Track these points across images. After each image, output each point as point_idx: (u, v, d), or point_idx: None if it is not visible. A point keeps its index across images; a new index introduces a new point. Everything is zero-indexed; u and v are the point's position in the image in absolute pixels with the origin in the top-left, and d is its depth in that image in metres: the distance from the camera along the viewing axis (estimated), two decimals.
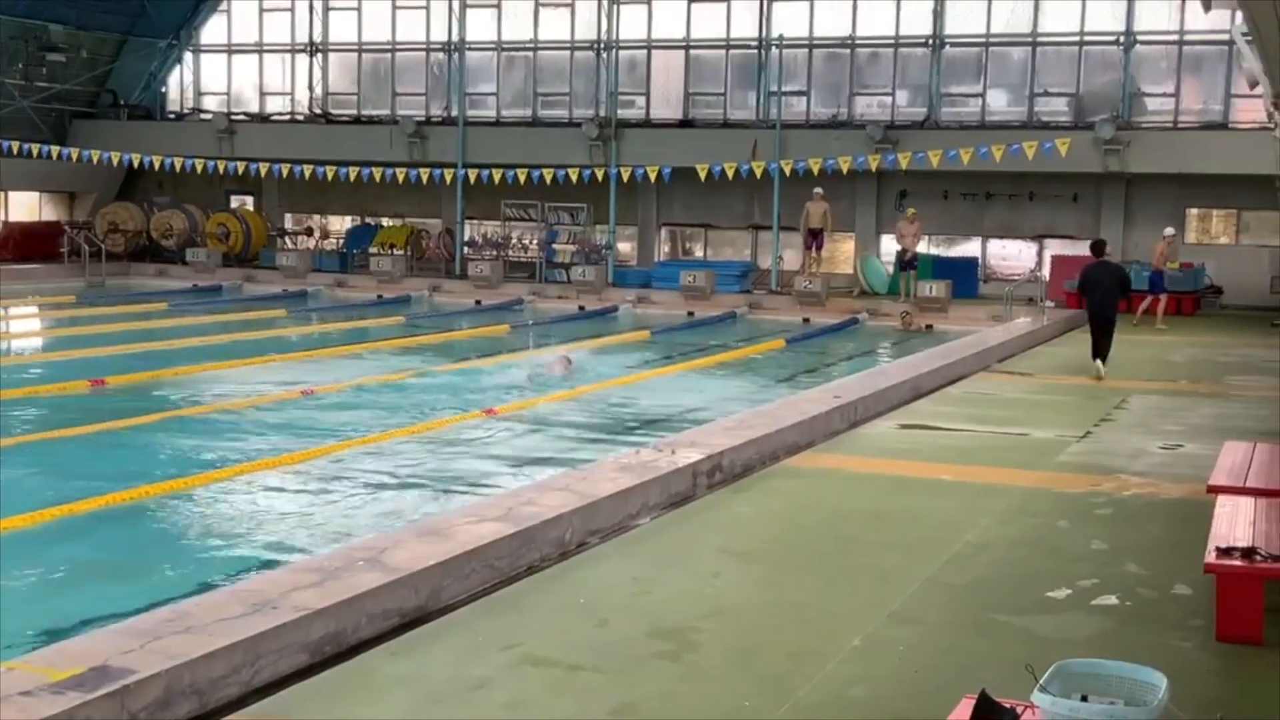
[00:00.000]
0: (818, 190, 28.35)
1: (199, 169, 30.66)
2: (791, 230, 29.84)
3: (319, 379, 17.07)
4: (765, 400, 15.13)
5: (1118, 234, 28.18)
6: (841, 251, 31.97)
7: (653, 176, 28.82)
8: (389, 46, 35.74)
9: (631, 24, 32.95)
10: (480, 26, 34.41)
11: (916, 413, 14.25)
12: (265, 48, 37.17)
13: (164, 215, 35.16)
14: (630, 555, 8.35)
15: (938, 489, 10.45)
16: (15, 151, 30.60)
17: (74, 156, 31.46)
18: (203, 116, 37.23)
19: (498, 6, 34.40)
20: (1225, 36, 26.15)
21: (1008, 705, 4.65)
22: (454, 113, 33.69)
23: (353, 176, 30.07)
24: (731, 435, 11.47)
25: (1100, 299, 17.59)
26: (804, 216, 28.77)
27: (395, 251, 33.12)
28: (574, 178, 28.70)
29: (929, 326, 25.35)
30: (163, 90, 38.22)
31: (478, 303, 29.04)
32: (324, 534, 9.75)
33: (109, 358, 18.53)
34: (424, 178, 30.05)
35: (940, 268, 28.96)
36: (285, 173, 30.66)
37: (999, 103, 31.09)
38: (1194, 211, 29.82)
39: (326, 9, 36.19)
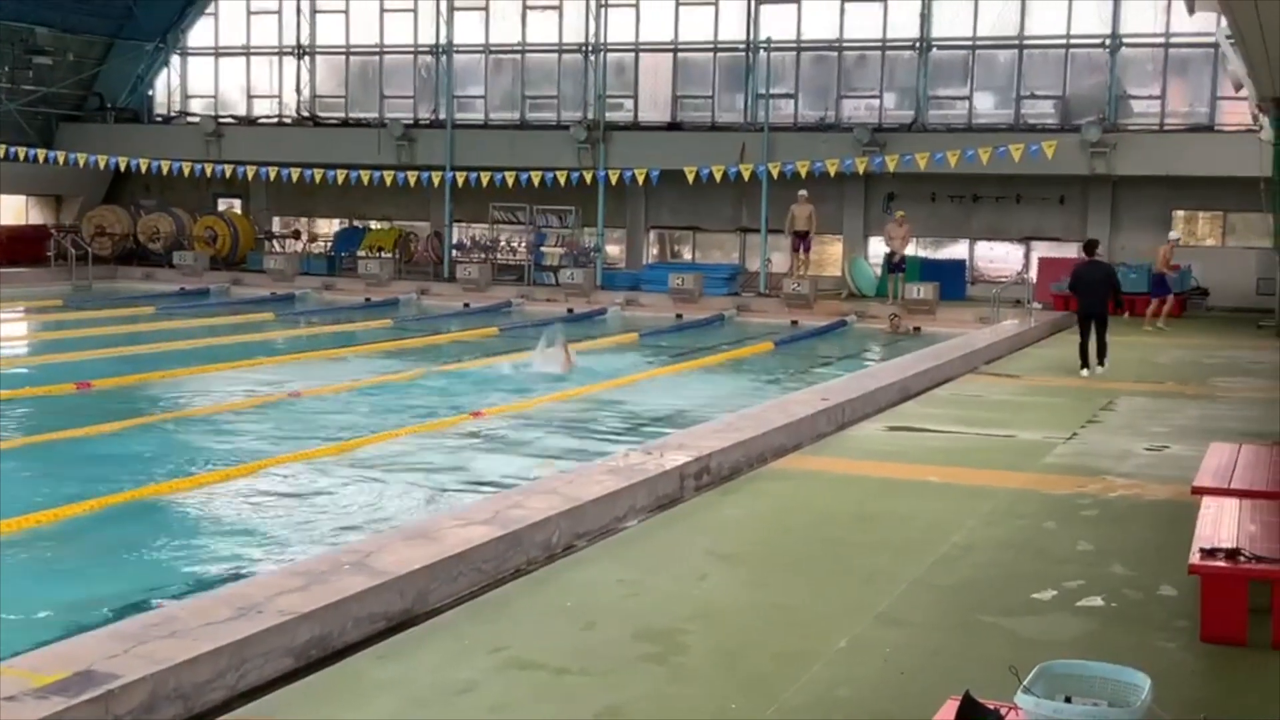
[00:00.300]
0: (802, 192, 28.39)
1: (186, 172, 30.62)
2: (780, 233, 29.87)
3: (306, 382, 17.05)
4: (753, 402, 15.12)
5: (1105, 236, 28.22)
6: (829, 254, 32.01)
7: (641, 179, 28.83)
8: (377, 49, 35.72)
9: (619, 26, 32.97)
10: (468, 29, 34.41)
11: (904, 415, 14.28)
12: (253, 50, 37.12)
13: (151, 218, 35.09)
14: (617, 558, 8.35)
15: (925, 491, 10.46)
16: (2, 155, 30.50)
17: (60, 160, 31.37)
18: (190, 119, 37.19)
19: (485, 9, 34.41)
20: (1211, 39, 26.26)
21: (991, 706, 4.66)
22: (442, 115, 33.68)
23: (340, 179, 30.02)
24: (719, 437, 11.47)
25: (1090, 298, 17.82)
26: (789, 219, 28.82)
27: (383, 254, 33.08)
28: (562, 180, 28.69)
29: (916, 329, 25.41)
30: (150, 93, 38.16)
31: (466, 305, 29.02)
32: (310, 537, 9.74)
33: (96, 361, 18.48)
34: (412, 180, 30.02)
35: (928, 270, 29.03)
36: (273, 175, 30.62)
37: (986, 105, 31.17)
38: (1180, 214, 29.93)
39: (314, 12, 36.18)
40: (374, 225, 35.27)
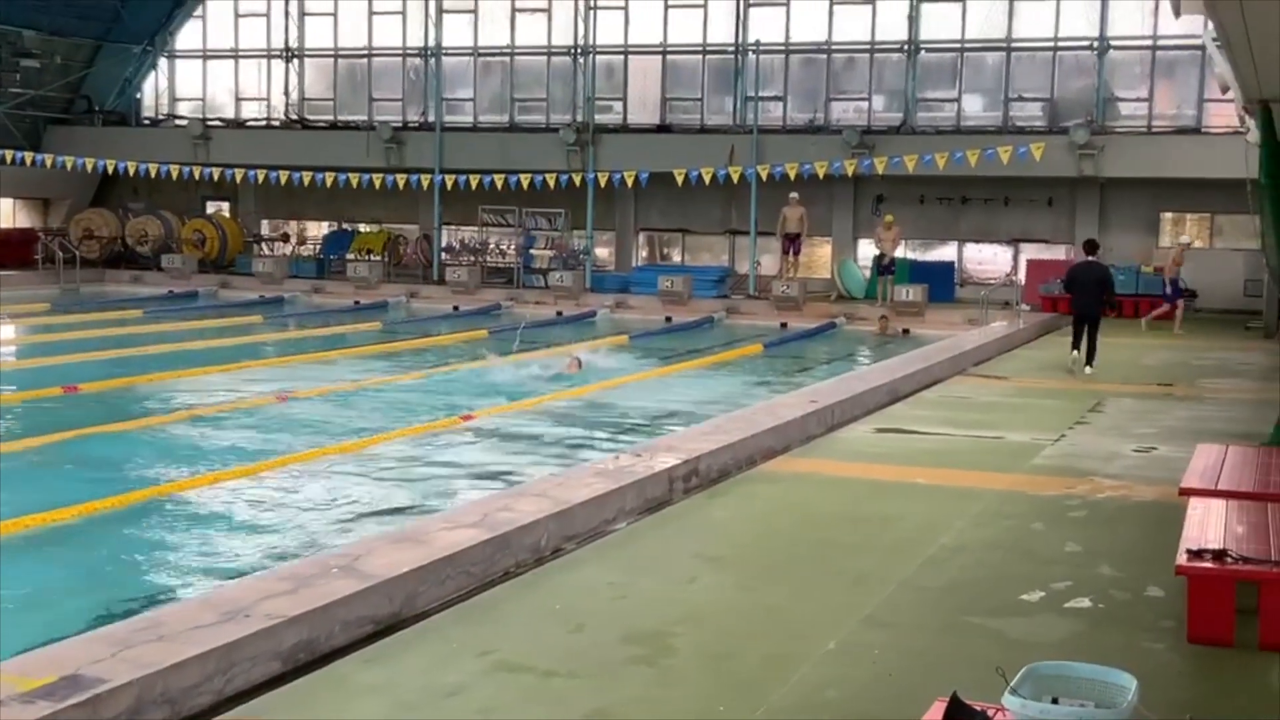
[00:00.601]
0: (794, 195, 28.42)
1: (174, 175, 30.56)
2: (769, 235, 29.91)
3: (295, 385, 17.02)
4: (742, 405, 15.15)
5: (1093, 238, 28.26)
6: (819, 256, 32.05)
7: (630, 181, 28.83)
8: (365, 52, 35.70)
9: (608, 29, 32.96)
10: (457, 32, 34.39)
11: (892, 416, 14.30)
12: (241, 53, 37.07)
13: (139, 221, 35.01)
14: (606, 561, 8.35)
15: (913, 492, 10.48)
16: None
17: (48, 163, 31.30)
18: (178, 122, 37.11)
19: (474, 12, 34.40)
20: (1198, 42, 26.28)
21: (979, 708, 4.67)
22: (431, 118, 33.65)
23: (329, 182, 29.97)
24: (708, 440, 11.48)
25: (1084, 299, 18.07)
26: (780, 221, 28.83)
27: (372, 257, 33.04)
28: (551, 183, 28.67)
29: (905, 331, 25.45)
30: (138, 96, 38.09)
31: (455, 308, 29.00)
32: (298, 541, 9.72)
33: (84, 364, 18.42)
34: (401, 183, 29.99)
35: (917, 272, 29.07)
36: (261, 178, 30.58)
37: (974, 108, 31.23)
38: (1168, 215, 30.02)
39: (302, 14, 36.14)
40: (363, 228, 35.24)
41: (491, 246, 32.72)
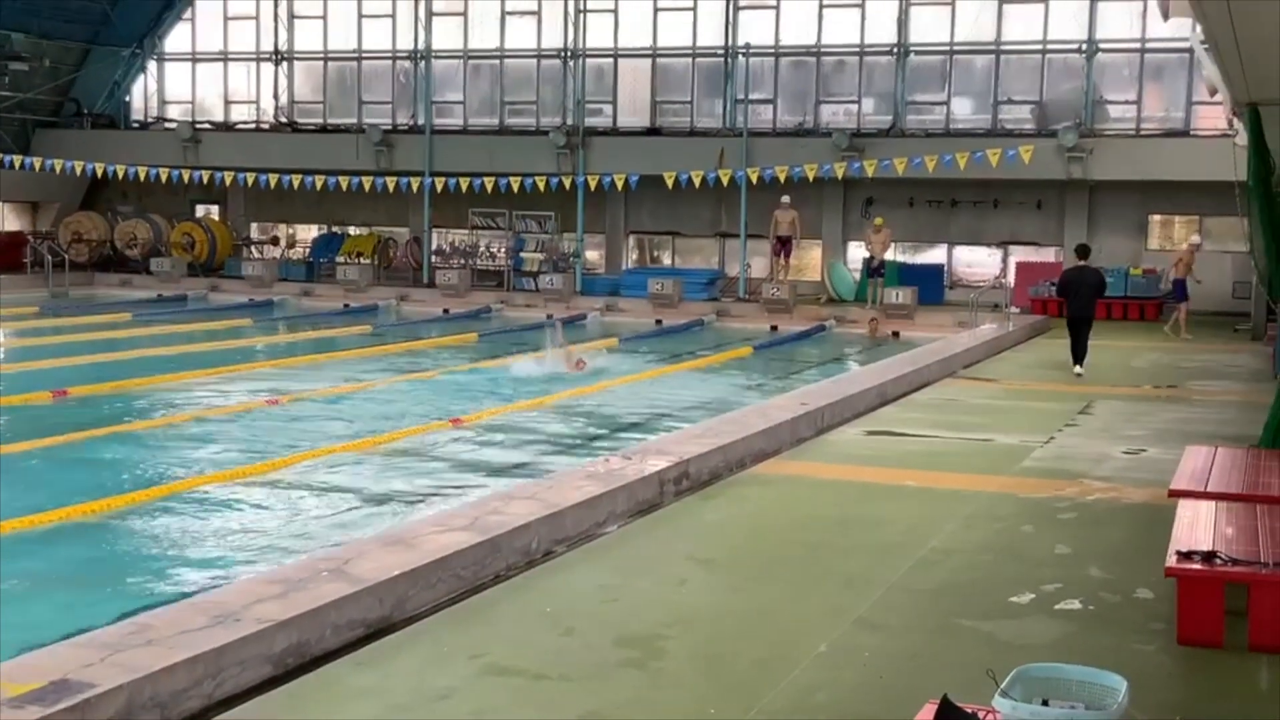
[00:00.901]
0: (785, 198, 28.45)
1: (163, 178, 30.51)
2: (759, 238, 29.94)
3: (285, 388, 17.00)
4: (732, 407, 15.15)
5: (1082, 240, 28.33)
6: (808, 259, 32.09)
7: (620, 184, 28.83)
8: (355, 55, 35.67)
9: (598, 32, 33.00)
10: (446, 35, 34.38)
11: (883, 419, 14.31)
12: (230, 56, 37.02)
13: (128, 225, 34.93)
14: (597, 564, 8.35)
15: (903, 495, 10.49)
16: None
17: (37, 166, 31.23)
18: (167, 125, 37.04)
19: (464, 15, 34.39)
20: (1186, 44, 26.37)
21: (969, 710, 4.67)
22: (420, 121, 33.63)
23: (319, 185, 29.95)
24: (699, 443, 11.48)
25: (1078, 302, 18.30)
26: (772, 224, 28.87)
27: (362, 260, 33.02)
28: (541, 186, 28.69)
29: (895, 333, 25.48)
30: (127, 99, 38.01)
31: (445, 311, 28.99)
32: (288, 544, 9.70)
33: (72, 368, 18.38)
34: (391, 186, 29.98)
35: (906, 275, 29.12)
36: (250, 181, 30.53)
37: (963, 110, 31.31)
38: (1157, 218, 30.12)
39: (292, 17, 36.09)
40: (353, 231, 35.20)
41: (481, 249, 32.71)
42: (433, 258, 32.80)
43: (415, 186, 30.46)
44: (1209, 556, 6.94)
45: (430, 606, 7.35)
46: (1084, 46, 29.56)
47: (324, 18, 35.75)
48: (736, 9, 32.06)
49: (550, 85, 33.70)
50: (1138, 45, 29.42)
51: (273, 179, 30.07)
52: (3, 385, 17.17)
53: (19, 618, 7.93)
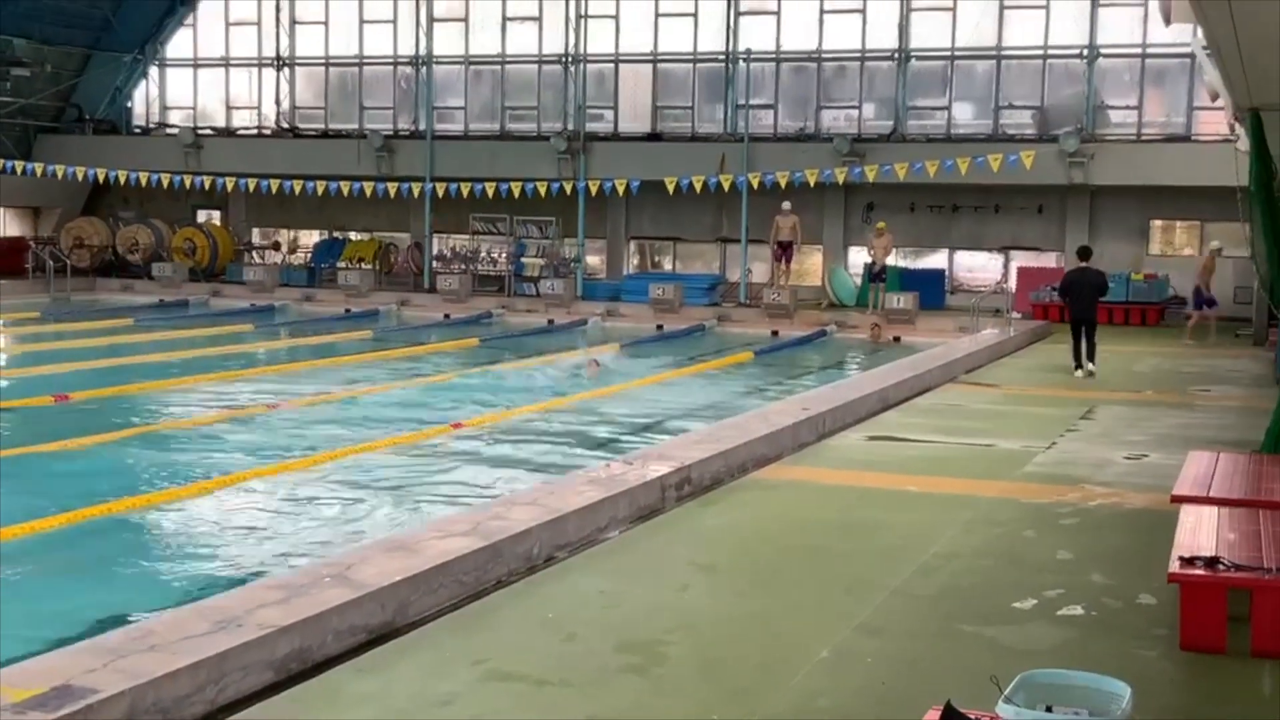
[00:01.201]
0: (786, 204, 28.45)
1: (165, 184, 30.50)
2: (760, 243, 29.95)
3: (286, 393, 17.00)
4: (733, 412, 15.14)
5: (1086, 245, 28.33)
6: (809, 264, 32.09)
7: (621, 190, 28.85)
8: (356, 60, 35.70)
9: (599, 37, 33.02)
10: (448, 40, 34.42)
11: (884, 424, 14.30)
12: (232, 62, 37.06)
13: (130, 230, 34.96)
14: (598, 569, 8.34)
15: (905, 500, 10.48)
16: None
17: (39, 171, 31.25)
18: (168, 131, 37.05)
19: (465, 20, 34.42)
20: (1187, 50, 26.37)
21: (973, 716, 4.67)
22: (422, 126, 33.66)
23: (320, 190, 29.99)
24: (700, 448, 11.47)
25: (1081, 304, 18.52)
26: (773, 230, 28.88)
27: (363, 265, 33.05)
28: (542, 191, 28.70)
29: (896, 338, 25.47)
30: (128, 105, 38.05)
31: (446, 316, 29.00)
32: (290, 550, 9.70)
33: (74, 373, 18.38)
34: (392, 191, 30.00)
35: (907, 280, 29.12)
36: (252, 187, 30.53)
37: (964, 115, 31.31)
38: (1158, 223, 30.10)
39: (293, 23, 36.12)
40: (354, 236, 35.22)
41: (483, 255, 32.70)
42: (434, 263, 32.81)
43: (416, 192, 30.48)
44: (1211, 562, 6.93)
45: (432, 612, 7.35)
46: (1085, 51, 29.57)
47: (325, 23, 35.77)
48: (737, 14, 32.09)
49: (551, 90, 33.71)
50: (1139, 50, 29.43)
51: (274, 184, 30.10)
52: (5, 390, 17.18)
53: (21, 622, 7.93)
